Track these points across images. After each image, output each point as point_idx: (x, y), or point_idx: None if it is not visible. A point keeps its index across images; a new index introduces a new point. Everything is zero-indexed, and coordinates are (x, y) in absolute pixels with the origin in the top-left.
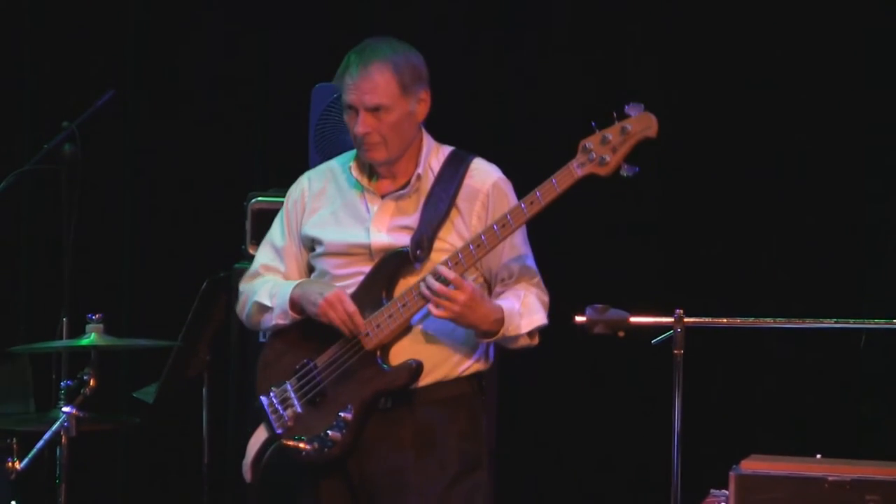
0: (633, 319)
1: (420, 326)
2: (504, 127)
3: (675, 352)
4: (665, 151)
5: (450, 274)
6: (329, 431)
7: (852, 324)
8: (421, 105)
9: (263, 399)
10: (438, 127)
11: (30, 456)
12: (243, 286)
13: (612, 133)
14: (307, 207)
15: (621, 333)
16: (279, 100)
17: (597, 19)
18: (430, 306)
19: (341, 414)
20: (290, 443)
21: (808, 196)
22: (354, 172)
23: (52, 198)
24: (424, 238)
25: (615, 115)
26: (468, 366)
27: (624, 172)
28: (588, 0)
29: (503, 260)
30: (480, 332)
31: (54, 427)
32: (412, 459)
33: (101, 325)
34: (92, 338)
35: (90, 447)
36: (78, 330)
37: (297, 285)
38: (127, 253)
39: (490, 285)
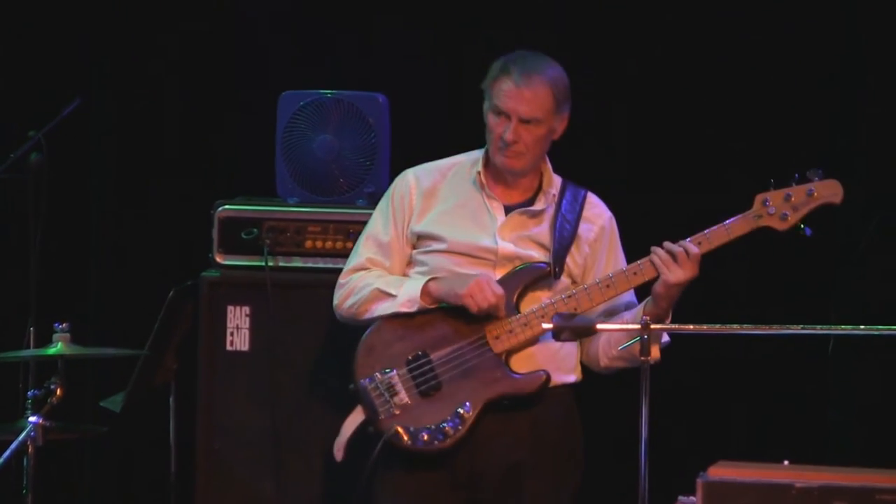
0: (600, 326)
1: (542, 338)
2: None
3: (643, 359)
4: (634, 156)
5: (694, 249)
6: (444, 425)
7: (820, 330)
8: (561, 125)
9: (364, 382)
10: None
11: None
12: (346, 278)
13: (795, 193)
14: (417, 204)
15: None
16: (246, 108)
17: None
18: (662, 267)
19: (460, 410)
20: (401, 430)
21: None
22: (484, 178)
23: (19, 207)
24: (559, 258)
25: (797, 175)
26: (573, 377)
27: (802, 232)
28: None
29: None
30: (660, 309)
31: (21, 437)
32: (528, 458)
33: (67, 335)
34: (58, 347)
35: (57, 456)
36: (44, 339)
37: (434, 279)
38: (93, 262)
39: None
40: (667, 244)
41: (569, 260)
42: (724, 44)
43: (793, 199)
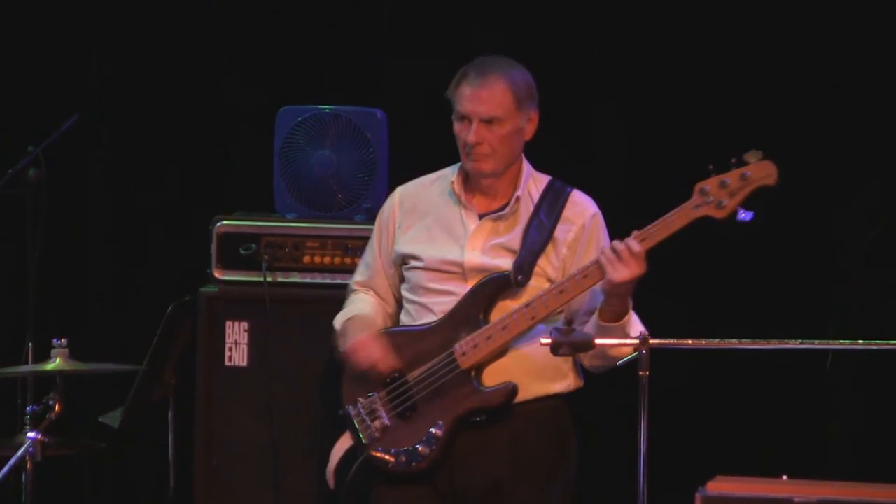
0: (598, 341)
1: (516, 349)
2: None
3: (641, 373)
4: (633, 171)
5: (636, 247)
6: (418, 446)
7: (818, 344)
8: (530, 124)
9: (350, 408)
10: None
11: None
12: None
13: (731, 178)
14: (399, 224)
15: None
16: (244, 123)
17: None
18: (607, 266)
19: (432, 430)
20: (378, 454)
21: (774, 215)
22: (457, 187)
23: (17, 222)
24: (526, 264)
25: (733, 160)
26: (561, 386)
27: (740, 217)
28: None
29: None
30: (615, 308)
31: (19, 452)
32: (507, 473)
33: (66, 350)
34: (57, 362)
35: (56, 472)
36: (43, 354)
37: (349, 319)
38: (92, 277)
39: (574, 317)
40: (613, 243)
41: (544, 264)
42: (724, 45)
43: (729, 184)
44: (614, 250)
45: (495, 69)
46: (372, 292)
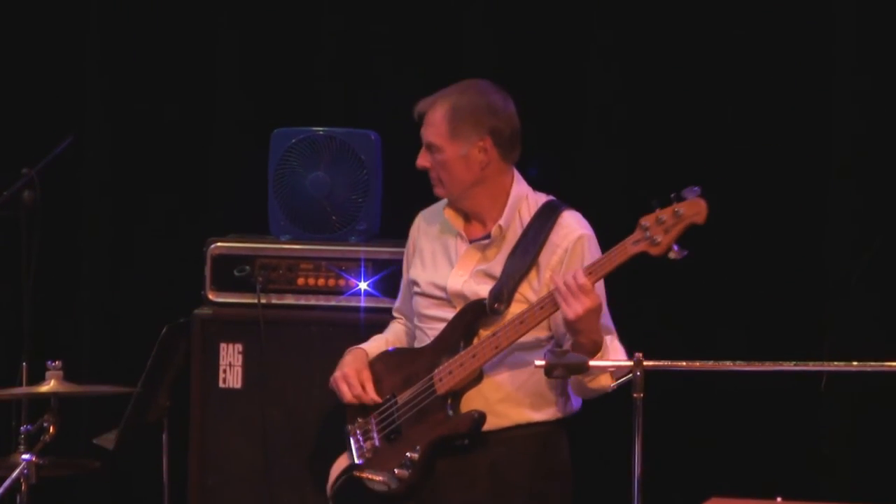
0: (592, 363)
1: (495, 376)
2: None
3: (635, 395)
4: (629, 188)
5: (581, 279)
6: (396, 469)
7: (812, 366)
8: (479, 153)
9: (349, 427)
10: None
11: None
12: None
13: (665, 215)
14: (416, 248)
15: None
16: (238, 145)
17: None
18: (561, 303)
19: (408, 454)
20: (363, 475)
21: (767, 235)
22: (448, 214)
23: (12, 244)
24: (504, 291)
25: (673, 195)
26: (544, 413)
27: (672, 255)
28: None
29: None
30: (583, 346)
31: (14, 474)
32: (486, 500)
33: (60, 372)
34: (52, 384)
35: (50, 493)
36: (38, 376)
37: (348, 351)
38: (86, 299)
39: (560, 341)
40: (564, 276)
41: (525, 290)
42: (724, 46)
43: (665, 221)
44: (565, 284)
45: (446, 95)
46: (403, 319)
